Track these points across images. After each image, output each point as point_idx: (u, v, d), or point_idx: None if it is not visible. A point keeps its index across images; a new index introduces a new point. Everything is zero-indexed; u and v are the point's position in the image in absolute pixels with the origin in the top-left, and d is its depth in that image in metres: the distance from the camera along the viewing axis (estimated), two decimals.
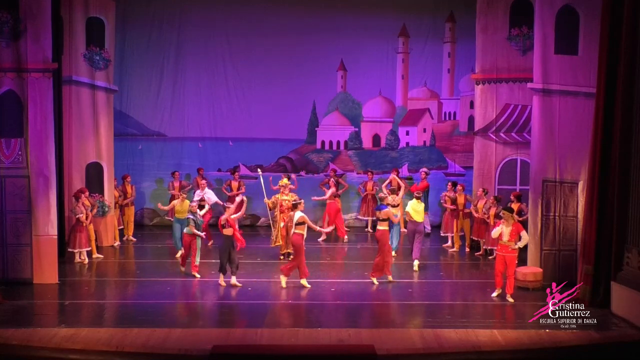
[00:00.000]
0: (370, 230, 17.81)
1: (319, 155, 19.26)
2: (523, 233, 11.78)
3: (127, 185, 16.60)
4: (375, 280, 12.85)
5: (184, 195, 14.90)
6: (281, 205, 14.45)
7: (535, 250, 12.71)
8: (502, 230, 11.75)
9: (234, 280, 12.61)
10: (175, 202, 14.86)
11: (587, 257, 11.33)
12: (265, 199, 14.80)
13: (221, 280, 12.64)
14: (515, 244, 11.68)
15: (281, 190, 14.67)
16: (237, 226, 12.76)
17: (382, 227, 12.92)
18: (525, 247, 13.05)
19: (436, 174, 18.46)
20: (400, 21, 18.75)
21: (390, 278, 12.91)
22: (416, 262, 13.85)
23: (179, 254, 14.43)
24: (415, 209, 14.01)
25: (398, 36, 18.90)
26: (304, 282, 12.52)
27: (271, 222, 14.88)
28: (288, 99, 18.76)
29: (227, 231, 12.50)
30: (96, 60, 15.76)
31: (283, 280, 12.55)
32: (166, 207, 15.42)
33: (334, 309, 11.64)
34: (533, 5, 13.24)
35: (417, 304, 11.90)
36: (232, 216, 12.59)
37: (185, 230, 13.52)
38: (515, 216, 13.63)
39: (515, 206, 13.97)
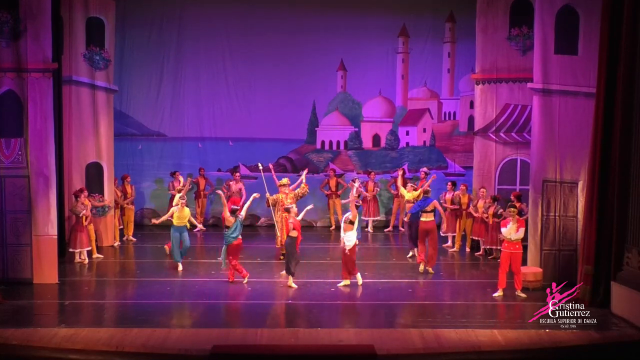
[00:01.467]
0: (370, 231, 17.82)
1: (319, 155, 19.25)
2: (521, 228, 11.91)
3: (127, 185, 16.58)
4: (431, 270, 13.38)
5: (184, 202, 13.98)
6: (282, 205, 14.40)
7: (535, 250, 12.71)
8: (511, 227, 11.78)
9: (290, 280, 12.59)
10: (174, 209, 14.09)
11: (587, 257, 11.32)
12: (267, 193, 14.53)
13: (290, 282, 12.52)
14: (510, 235, 11.75)
15: (281, 190, 14.61)
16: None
17: (428, 218, 13.44)
18: (525, 247, 13.08)
19: (436, 174, 18.42)
20: (400, 21, 18.76)
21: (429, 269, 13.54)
22: None
23: (180, 268, 13.71)
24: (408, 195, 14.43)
25: (398, 36, 18.90)
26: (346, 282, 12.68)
27: (275, 222, 14.54)
28: (288, 99, 18.77)
29: (293, 233, 12.53)
30: (96, 60, 15.76)
31: (346, 282, 12.61)
32: (163, 218, 14.38)
33: (334, 309, 11.64)
34: (533, 5, 13.23)
35: (417, 304, 11.89)
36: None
37: (236, 236, 12.70)
38: (516, 216, 13.70)
39: None
